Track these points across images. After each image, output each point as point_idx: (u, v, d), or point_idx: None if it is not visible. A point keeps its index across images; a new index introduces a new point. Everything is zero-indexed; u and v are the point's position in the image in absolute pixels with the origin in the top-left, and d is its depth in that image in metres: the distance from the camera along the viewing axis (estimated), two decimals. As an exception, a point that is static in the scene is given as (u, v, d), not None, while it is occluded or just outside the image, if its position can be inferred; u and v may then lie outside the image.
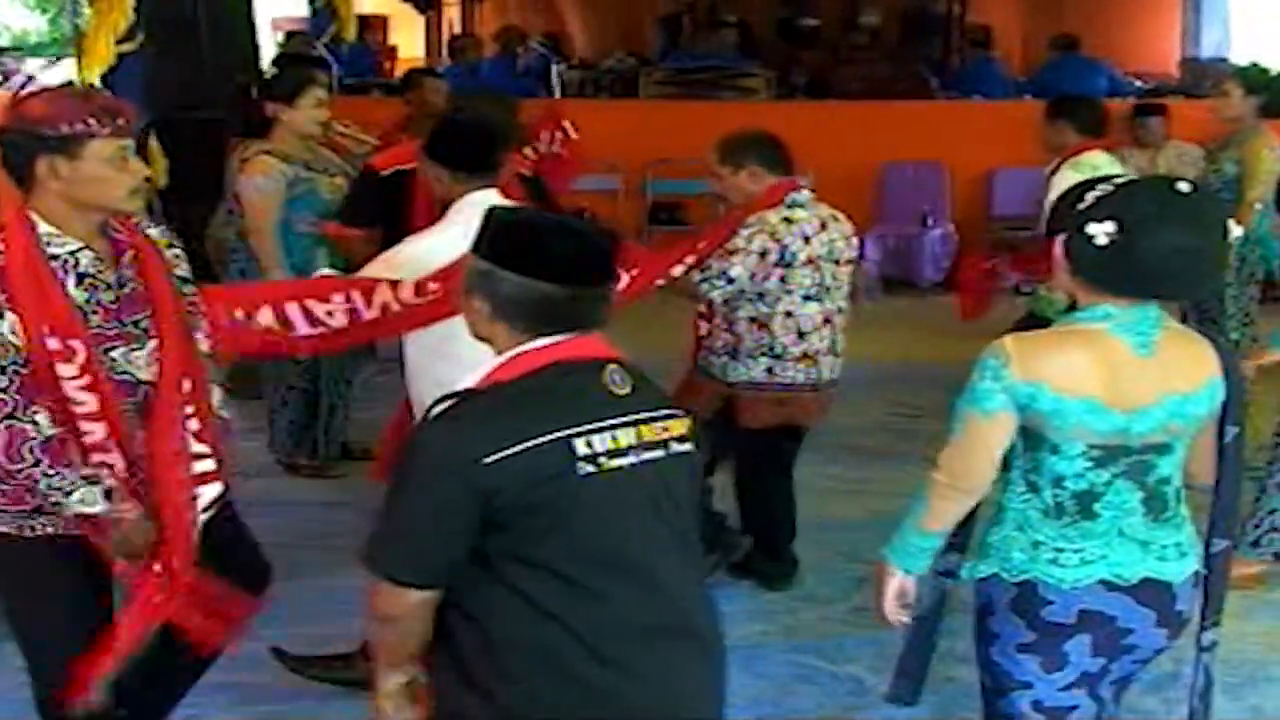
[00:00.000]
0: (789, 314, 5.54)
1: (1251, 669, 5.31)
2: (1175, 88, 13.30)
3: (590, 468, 2.78)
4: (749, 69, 13.74)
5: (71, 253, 3.61)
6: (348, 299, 4.43)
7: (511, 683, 2.81)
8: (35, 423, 3.51)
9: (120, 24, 9.13)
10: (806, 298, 5.55)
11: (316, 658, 5.04)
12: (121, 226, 3.75)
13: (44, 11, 24.11)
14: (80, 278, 3.62)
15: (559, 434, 2.77)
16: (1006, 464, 3.33)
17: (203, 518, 3.78)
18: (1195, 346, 3.30)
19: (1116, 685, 3.47)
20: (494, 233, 2.93)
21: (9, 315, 3.49)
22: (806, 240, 5.50)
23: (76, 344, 3.54)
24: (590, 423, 2.81)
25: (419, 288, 4.39)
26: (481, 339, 2.96)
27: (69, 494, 3.54)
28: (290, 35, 13.72)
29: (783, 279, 5.49)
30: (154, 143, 9.54)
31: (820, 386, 5.73)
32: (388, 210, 5.99)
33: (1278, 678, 5.33)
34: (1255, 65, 8.62)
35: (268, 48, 13.34)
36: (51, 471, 3.52)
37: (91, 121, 3.55)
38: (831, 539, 6.24)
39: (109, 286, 3.67)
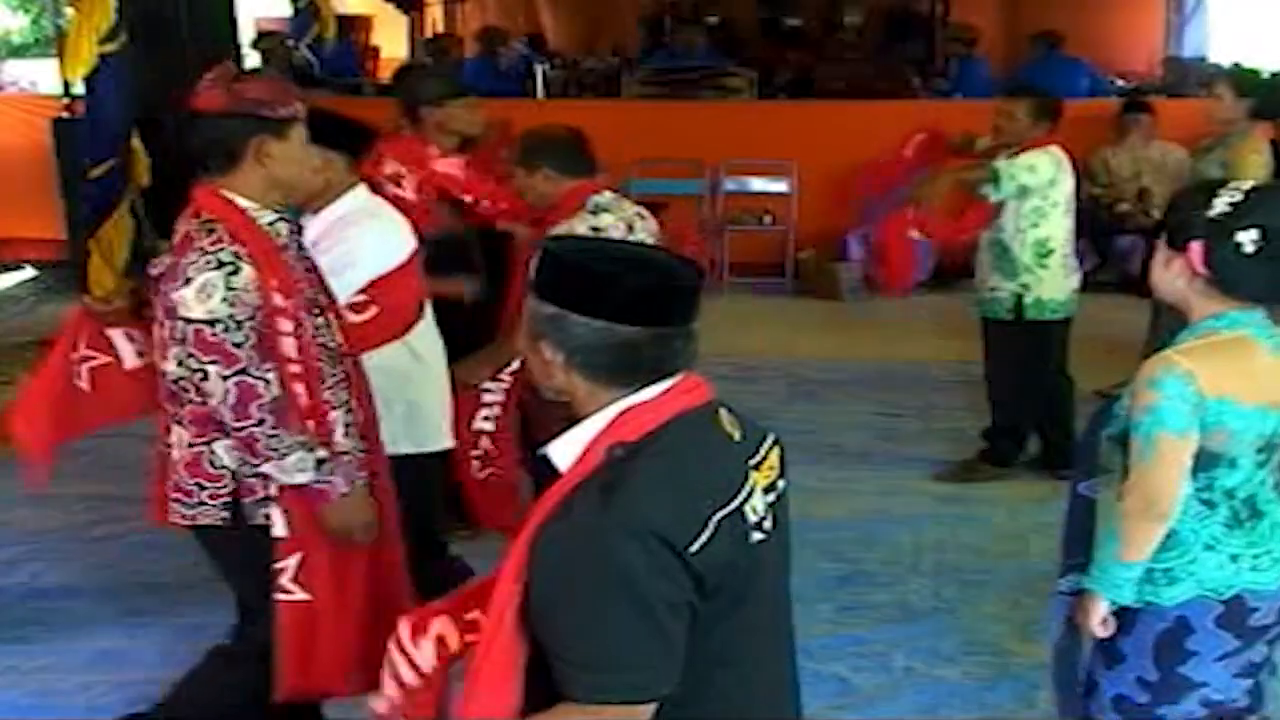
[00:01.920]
0: None
1: None
2: (1157, 87, 13.31)
3: (759, 535, 2.54)
4: (731, 68, 13.72)
5: (270, 224, 3.77)
6: None
7: None
8: (266, 380, 3.62)
9: (102, 24, 9.13)
10: None
11: None
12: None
13: (26, 12, 24.03)
14: (282, 247, 3.78)
15: (733, 505, 2.48)
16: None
17: None
18: None
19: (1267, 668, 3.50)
20: (558, 271, 2.53)
21: (246, 268, 3.60)
22: None
23: (293, 303, 3.70)
24: (743, 485, 2.53)
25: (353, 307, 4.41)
26: (557, 390, 2.58)
27: (284, 455, 3.65)
28: (262, 35, 13.65)
29: None
30: (136, 142, 9.56)
31: None
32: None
33: None
34: (1244, 67, 8.62)
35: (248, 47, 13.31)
36: (273, 432, 3.62)
37: (298, 106, 3.74)
38: (815, 539, 6.23)
39: (299, 257, 3.88)
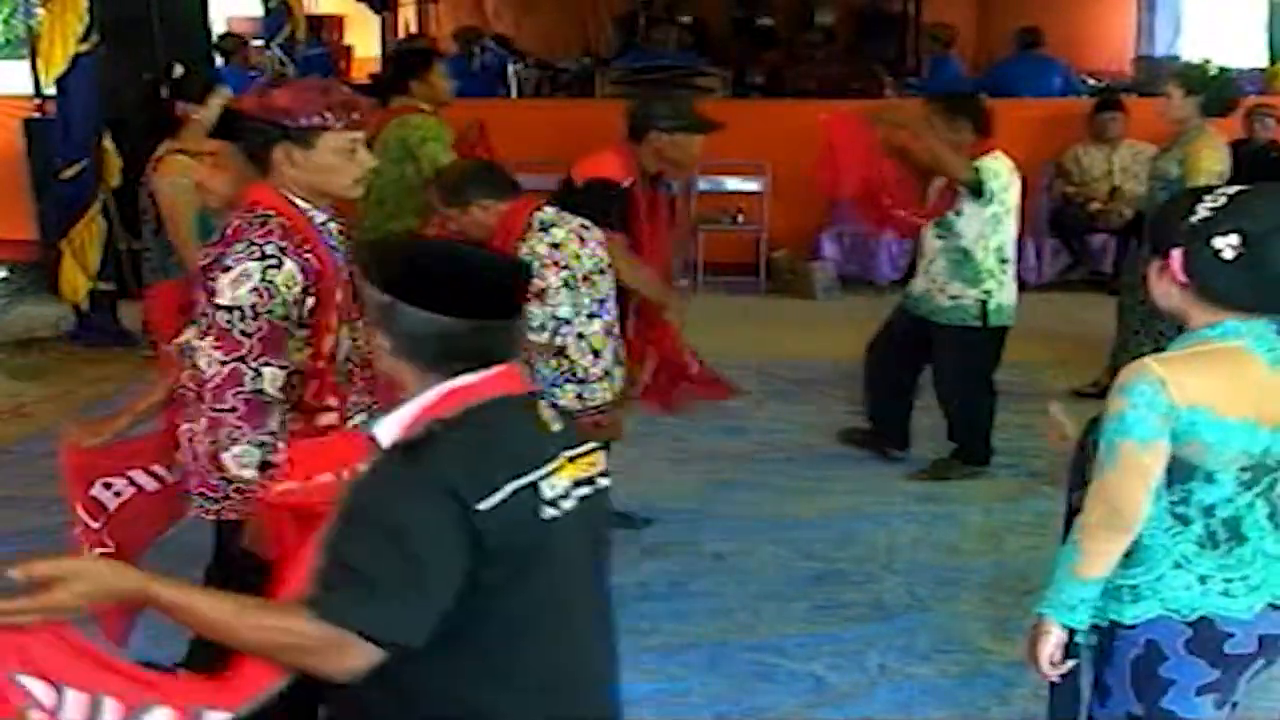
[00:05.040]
0: (580, 335, 5.42)
1: None
2: (1129, 86, 13.36)
3: (553, 511, 2.64)
4: (705, 68, 13.75)
5: (322, 224, 3.79)
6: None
7: None
8: (257, 374, 3.60)
9: (74, 25, 9.12)
10: (591, 315, 5.42)
11: None
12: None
13: (-3, 13, 23.96)
14: (333, 249, 3.80)
15: (529, 477, 2.62)
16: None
17: None
18: None
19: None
20: (390, 264, 2.76)
21: (289, 264, 3.63)
22: (578, 257, 5.32)
23: (338, 301, 3.75)
24: (545, 463, 2.67)
25: None
26: (387, 373, 2.80)
27: (229, 447, 3.62)
28: (224, 36, 13.63)
29: (573, 303, 5.31)
30: (108, 142, 9.54)
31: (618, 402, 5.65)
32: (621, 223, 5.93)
33: None
34: (1195, 65, 8.68)
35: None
36: (237, 423, 3.60)
37: (327, 115, 3.70)
38: (790, 537, 6.25)
39: (347, 260, 3.86)
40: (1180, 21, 15.82)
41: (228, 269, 3.59)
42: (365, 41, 17.72)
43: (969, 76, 14.10)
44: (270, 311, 3.59)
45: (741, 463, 7.32)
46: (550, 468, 2.67)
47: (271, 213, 3.69)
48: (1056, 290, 10.96)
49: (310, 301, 3.67)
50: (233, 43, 13.29)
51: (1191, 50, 15.25)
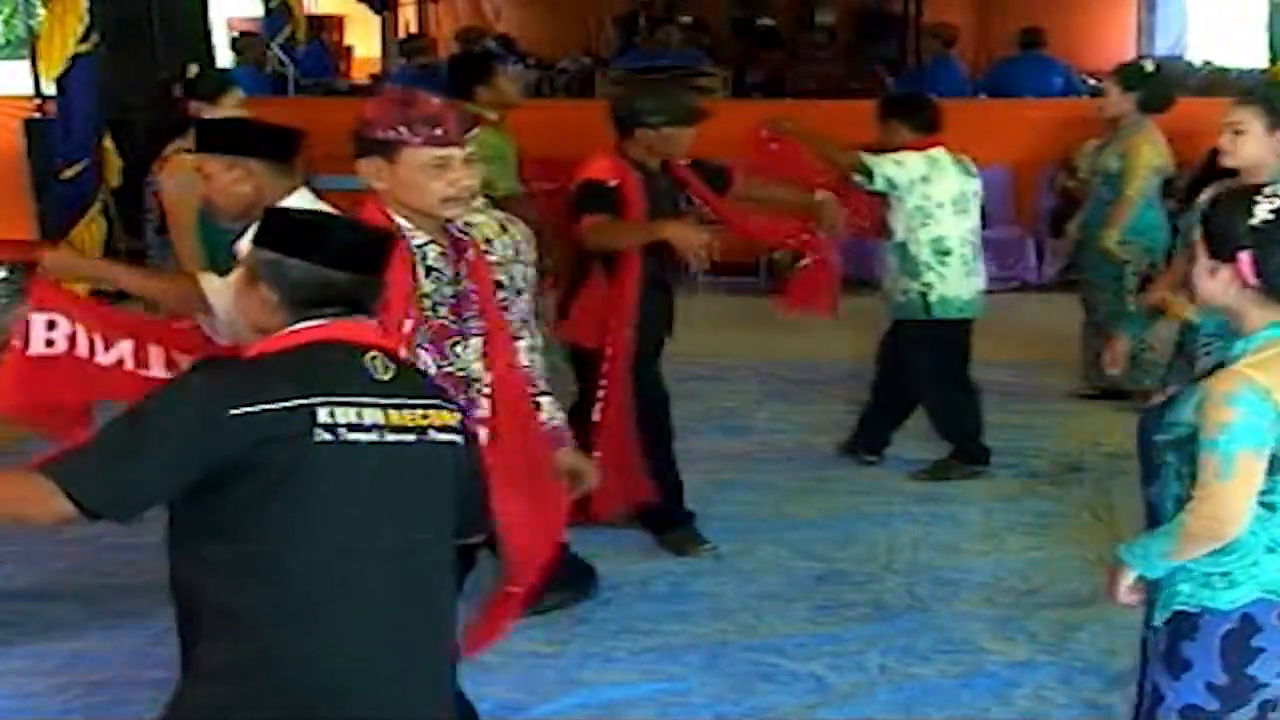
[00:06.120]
0: None
1: None
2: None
3: (327, 435, 2.80)
4: (705, 68, 13.74)
5: (420, 245, 3.76)
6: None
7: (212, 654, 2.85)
8: None
9: (74, 25, 9.12)
10: None
11: None
12: (459, 228, 3.91)
13: (-2, 13, 23.96)
14: (429, 270, 3.77)
15: (305, 400, 2.80)
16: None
17: None
18: None
19: None
20: (279, 224, 3.06)
21: None
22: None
23: (410, 328, 3.71)
24: (340, 396, 2.85)
25: None
26: (259, 329, 3.02)
27: None
28: (241, 35, 13.65)
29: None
30: (108, 143, 9.54)
31: None
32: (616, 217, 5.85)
33: None
34: (1132, 63, 8.77)
35: (223, 48, 13.30)
36: None
37: (403, 129, 3.66)
38: (790, 538, 6.25)
39: (450, 282, 3.82)
40: (1181, 21, 15.82)
41: None
42: (365, 41, 17.72)
43: (969, 76, 14.10)
44: None
45: (741, 463, 7.31)
46: (344, 400, 2.84)
47: None
48: (1057, 290, 10.94)
49: None
50: (246, 42, 13.29)
51: (1192, 50, 15.26)
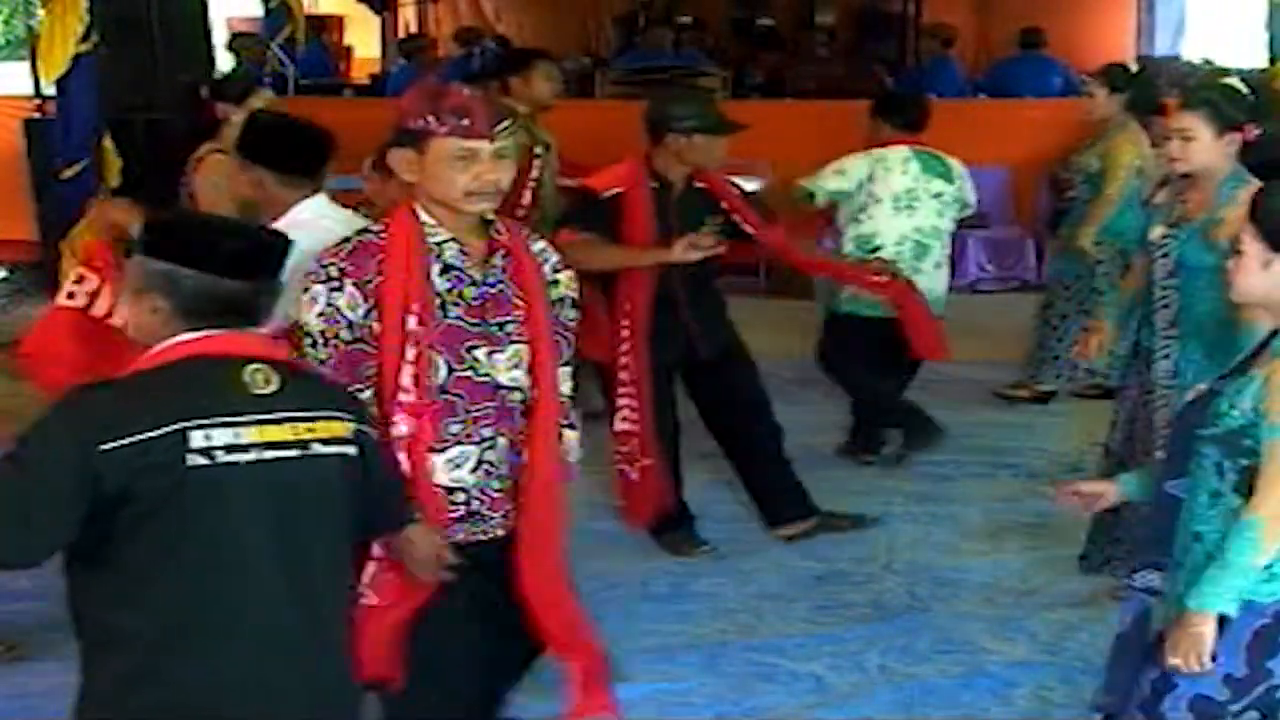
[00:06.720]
0: None
1: None
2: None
3: (201, 460, 2.77)
4: (705, 68, 13.73)
5: (439, 243, 3.69)
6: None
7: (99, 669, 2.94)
8: None
9: (74, 25, 9.11)
10: None
11: None
12: (505, 229, 3.82)
13: (-2, 13, 23.96)
14: (445, 268, 3.69)
15: (175, 426, 2.76)
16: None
17: None
18: None
19: None
20: (169, 233, 2.99)
21: (349, 288, 3.59)
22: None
23: (424, 330, 3.62)
24: (214, 416, 2.81)
25: None
26: (148, 340, 2.96)
27: None
28: (237, 35, 13.63)
29: None
30: (108, 143, 9.53)
31: None
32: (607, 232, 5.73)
33: None
34: (1117, 64, 8.78)
35: (223, 48, 13.28)
36: None
37: (431, 119, 3.59)
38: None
39: (474, 283, 3.72)
40: (1181, 22, 15.82)
41: (306, 288, 3.60)
42: (365, 42, 17.72)
43: (969, 77, 14.10)
44: (338, 337, 3.60)
45: (742, 463, 7.29)
46: (221, 421, 2.80)
47: (380, 227, 3.69)
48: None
49: (376, 326, 3.61)
50: (247, 43, 13.28)
51: (1192, 50, 15.25)
